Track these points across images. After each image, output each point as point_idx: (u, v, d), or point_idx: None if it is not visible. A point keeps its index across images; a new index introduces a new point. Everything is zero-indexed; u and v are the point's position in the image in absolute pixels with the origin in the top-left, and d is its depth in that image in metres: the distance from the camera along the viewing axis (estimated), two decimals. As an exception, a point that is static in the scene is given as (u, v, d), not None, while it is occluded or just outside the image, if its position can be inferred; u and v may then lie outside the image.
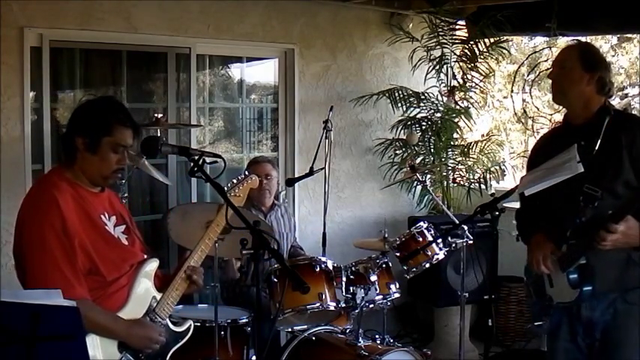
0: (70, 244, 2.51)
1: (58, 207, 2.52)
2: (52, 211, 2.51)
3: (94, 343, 2.50)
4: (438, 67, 5.50)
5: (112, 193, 2.88)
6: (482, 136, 6.52)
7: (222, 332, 3.42)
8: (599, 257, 2.65)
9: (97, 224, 2.66)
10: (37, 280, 2.49)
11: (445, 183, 5.57)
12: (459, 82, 5.62)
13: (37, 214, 2.54)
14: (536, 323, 3.07)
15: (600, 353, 2.81)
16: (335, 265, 3.67)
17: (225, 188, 2.99)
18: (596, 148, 2.57)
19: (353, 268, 3.72)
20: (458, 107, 5.60)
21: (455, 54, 5.58)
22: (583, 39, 5.58)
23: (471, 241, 3.77)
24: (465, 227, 3.73)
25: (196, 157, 2.46)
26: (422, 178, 4.80)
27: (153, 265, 2.81)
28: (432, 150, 5.55)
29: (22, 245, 2.56)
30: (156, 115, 4.44)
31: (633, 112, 8.38)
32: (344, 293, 3.64)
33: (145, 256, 2.84)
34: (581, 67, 2.76)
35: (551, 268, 2.84)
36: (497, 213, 2.78)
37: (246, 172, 3.13)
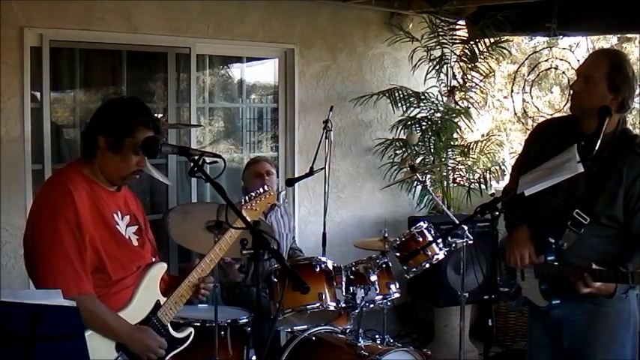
0: (81, 240, 2.53)
1: (73, 201, 2.53)
2: (67, 205, 2.52)
3: (91, 339, 2.50)
4: (438, 67, 5.50)
5: (128, 192, 2.88)
6: (483, 136, 6.51)
7: (222, 332, 3.42)
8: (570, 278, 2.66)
9: (109, 223, 2.66)
10: (47, 272, 2.50)
11: (445, 183, 5.57)
12: (459, 82, 5.62)
13: (52, 206, 2.54)
14: (503, 303, 3.09)
15: (570, 353, 2.84)
16: (335, 265, 3.67)
17: (242, 201, 2.99)
18: (596, 148, 2.56)
19: (353, 268, 3.72)
20: (458, 107, 5.60)
21: (455, 54, 5.58)
22: (584, 39, 5.62)
23: (471, 241, 3.76)
24: (465, 227, 3.73)
25: (196, 157, 2.45)
26: (422, 178, 4.80)
27: (160, 269, 2.81)
28: (432, 150, 5.55)
29: (34, 236, 2.56)
30: (156, 115, 4.43)
31: (633, 112, 8.38)
32: (344, 293, 3.64)
33: (154, 259, 2.84)
34: (607, 87, 2.65)
35: (526, 267, 2.87)
36: (497, 213, 2.78)
37: (265, 187, 3.12)
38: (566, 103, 3.17)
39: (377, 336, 3.85)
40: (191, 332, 2.89)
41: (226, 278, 4.10)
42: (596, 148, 2.56)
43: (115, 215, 2.71)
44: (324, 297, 3.51)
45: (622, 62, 2.72)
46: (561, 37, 5.46)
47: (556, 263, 2.76)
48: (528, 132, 3.28)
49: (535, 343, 3.01)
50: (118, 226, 2.70)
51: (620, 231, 2.71)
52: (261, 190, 3.09)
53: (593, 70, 2.70)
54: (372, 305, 3.66)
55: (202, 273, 2.84)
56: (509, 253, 2.90)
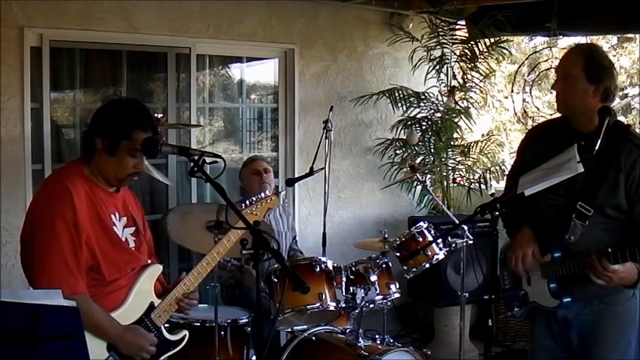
0: (78, 239, 2.53)
1: (72, 201, 2.53)
2: (65, 203, 2.53)
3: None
4: (438, 67, 5.49)
5: (128, 193, 2.88)
6: (483, 136, 6.51)
7: (222, 332, 3.43)
8: (581, 270, 2.65)
9: (106, 224, 2.66)
10: (41, 270, 2.51)
11: (445, 183, 5.57)
12: (459, 82, 5.62)
13: (50, 204, 2.55)
14: (509, 313, 3.11)
15: (578, 352, 2.83)
16: (335, 265, 3.67)
17: (243, 205, 2.98)
18: (596, 148, 2.56)
19: (353, 268, 3.72)
20: (458, 107, 5.60)
21: (455, 54, 5.58)
22: (583, 39, 5.61)
23: (471, 241, 3.76)
24: (465, 227, 3.73)
25: (196, 157, 2.44)
26: (422, 178, 4.80)
27: (155, 270, 2.81)
28: (432, 150, 5.55)
29: (31, 233, 2.57)
30: (156, 115, 4.44)
31: (633, 112, 8.38)
32: (344, 293, 3.64)
33: (149, 261, 2.84)
34: (586, 79, 2.68)
35: (529, 270, 2.86)
36: (497, 213, 2.78)
37: (267, 192, 3.11)
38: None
39: (377, 336, 3.85)
40: (185, 335, 2.87)
41: (242, 284, 4.10)
42: (597, 148, 2.56)
43: (112, 216, 2.71)
44: (324, 297, 3.51)
45: (595, 53, 2.76)
46: (561, 37, 5.46)
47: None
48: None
49: (538, 344, 3.00)
50: (115, 227, 2.70)
51: (625, 221, 2.70)
52: (262, 195, 3.08)
53: (570, 67, 2.74)
54: (372, 305, 3.66)
55: (199, 276, 2.83)
56: (510, 254, 2.89)
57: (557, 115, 2.95)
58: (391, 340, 3.78)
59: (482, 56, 5.51)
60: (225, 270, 4.10)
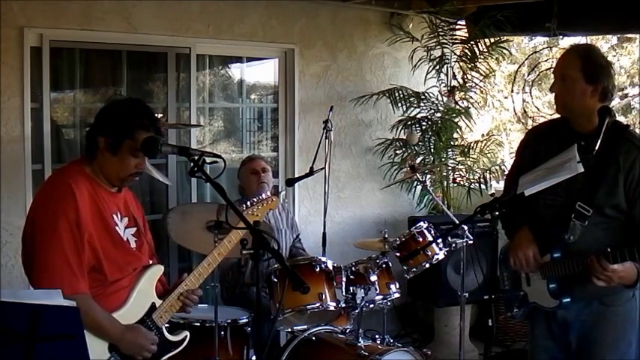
0: (80, 238, 2.53)
1: (75, 200, 2.53)
2: (68, 202, 2.53)
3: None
4: (438, 67, 5.49)
5: (129, 193, 2.88)
6: (483, 136, 6.50)
7: (222, 332, 3.43)
8: (581, 270, 2.66)
9: (108, 224, 2.66)
10: (42, 269, 2.51)
11: (445, 183, 5.57)
12: (459, 82, 5.62)
13: (53, 203, 2.54)
14: (509, 314, 3.11)
15: (577, 353, 2.83)
16: (335, 265, 3.67)
17: (244, 207, 2.98)
18: (596, 148, 2.56)
19: (353, 268, 3.72)
20: (458, 107, 5.60)
21: (455, 54, 5.58)
22: (583, 39, 5.62)
23: (471, 241, 3.76)
24: (465, 227, 3.73)
25: (196, 157, 2.44)
26: (422, 178, 4.80)
27: (157, 271, 2.81)
28: (432, 150, 5.55)
29: (33, 231, 2.57)
30: (156, 115, 4.43)
31: (633, 112, 8.37)
32: (344, 293, 3.64)
33: (151, 262, 2.84)
34: (584, 80, 2.67)
35: (532, 270, 2.85)
36: (497, 213, 2.78)
37: (268, 194, 3.12)
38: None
39: (377, 336, 3.85)
40: (186, 336, 2.87)
41: (242, 280, 4.10)
42: (597, 148, 2.56)
43: (114, 216, 2.71)
44: (324, 297, 3.51)
45: (592, 53, 2.77)
46: (561, 37, 5.46)
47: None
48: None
49: (537, 344, 3.00)
50: (117, 227, 2.70)
51: (624, 221, 2.70)
52: (263, 196, 3.09)
53: (567, 68, 2.74)
54: (372, 305, 3.67)
55: (200, 277, 2.83)
56: (512, 257, 2.89)
57: (557, 115, 2.95)
58: (391, 340, 3.78)
59: (482, 56, 5.50)
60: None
